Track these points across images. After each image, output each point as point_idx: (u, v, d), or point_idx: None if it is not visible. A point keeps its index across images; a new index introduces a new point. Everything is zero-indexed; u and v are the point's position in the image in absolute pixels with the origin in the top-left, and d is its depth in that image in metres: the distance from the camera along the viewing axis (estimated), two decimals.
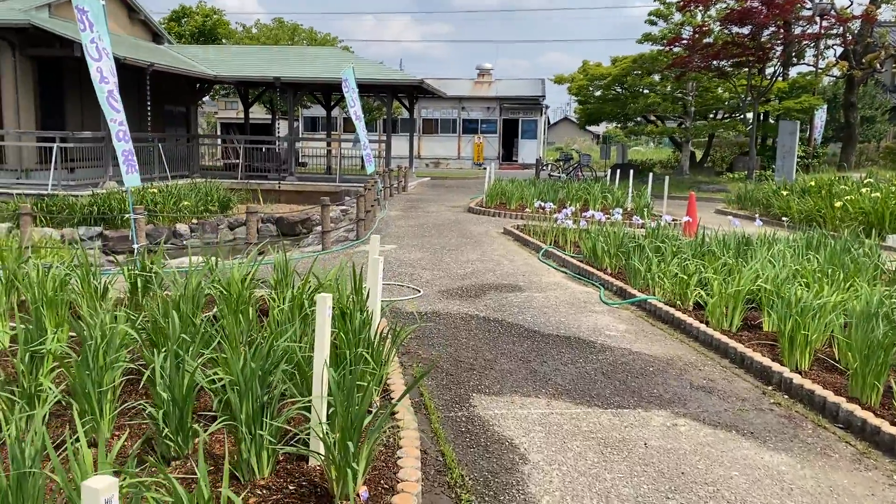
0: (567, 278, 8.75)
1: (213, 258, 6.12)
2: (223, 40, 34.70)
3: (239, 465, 3.24)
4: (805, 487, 3.65)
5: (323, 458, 3.17)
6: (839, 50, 27.67)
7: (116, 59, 16.64)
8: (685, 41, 24.71)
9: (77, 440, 3.50)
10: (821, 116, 28.08)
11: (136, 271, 5.92)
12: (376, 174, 17.96)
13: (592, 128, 53.44)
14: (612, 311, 7.19)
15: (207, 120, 48.45)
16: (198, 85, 24.06)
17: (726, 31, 23.92)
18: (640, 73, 28.47)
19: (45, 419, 3.73)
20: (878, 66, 25.50)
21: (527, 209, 15.21)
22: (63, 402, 3.81)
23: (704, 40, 23.89)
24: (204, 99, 38.27)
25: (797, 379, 5.00)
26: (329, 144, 26.67)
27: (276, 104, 30.11)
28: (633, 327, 6.59)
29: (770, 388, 5.11)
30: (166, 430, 3.35)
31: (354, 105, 18.44)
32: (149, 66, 18.13)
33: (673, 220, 11.57)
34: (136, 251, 8.42)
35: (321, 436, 3.13)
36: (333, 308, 4.78)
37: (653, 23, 27.85)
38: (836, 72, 28.10)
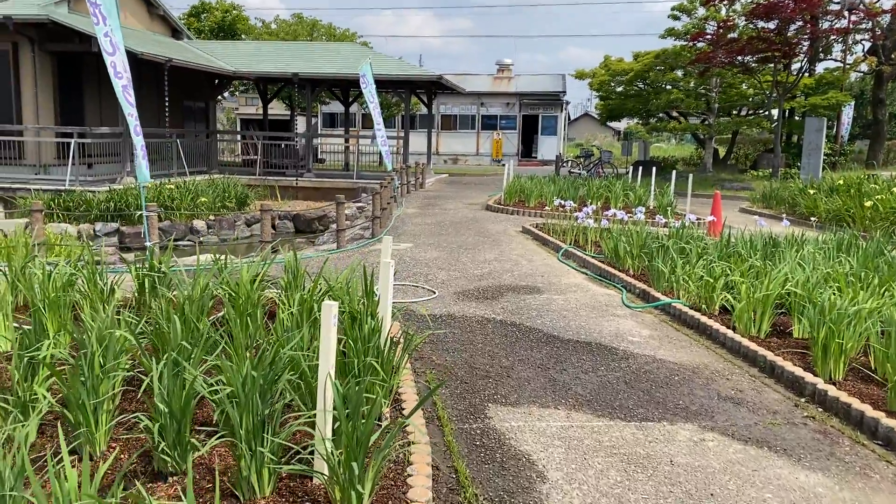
0: (587, 279, 8.49)
1: (223, 257, 5.94)
2: (242, 36, 34.67)
3: (238, 484, 3.05)
4: None
5: (327, 477, 2.96)
6: (867, 45, 27.01)
7: (134, 55, 16.63)
8: (709, 36, 24.26)
9: (71, 452, 3.33)
10: (848, 113, 27.50)
11: (144, 271, 5.76)
12: (393, 171, 17.79)
13: (613, 124, 52.94)
14: (635, 314, 6.93)
15: (227, 116, 48.59)
16: (216, 80, 23.99)
17: (752, 26, 23.45)
18: (663, 68, 28.02)
19: (37, 430, 3.57)
20: None
21: (546, 207, 14.93)
22: (59, 412, 3.65)
23: (729, 35, 23.44)
24: (224, 95, 38.34)
25: (832, 391, 4.72)
26: (347, 141, 26.53)
27: (295, 100, 30.02)
28: (656, 332, 6.33)
29: (803, 399, 4.84)
30: (162, 444, 3.17)
31: (373, 101, 18.28)
32: (167, 61, 18.07)
33: (697, 219, 11.26)
34: (147, 248, 8.27)
35: (324, 455, 2.92)
36: (343, 312, 4.59)
37: (676, 17, 27.39)
38: (863, 67, 27.48)
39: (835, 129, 26.40)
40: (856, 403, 4.49)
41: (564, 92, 38.45)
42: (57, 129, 17.42)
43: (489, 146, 38.68)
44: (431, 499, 3.19)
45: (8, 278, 5.64)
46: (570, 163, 27.46)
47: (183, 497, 2.50)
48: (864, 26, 24.51)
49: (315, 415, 3.18)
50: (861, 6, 23.04)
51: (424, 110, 30.00)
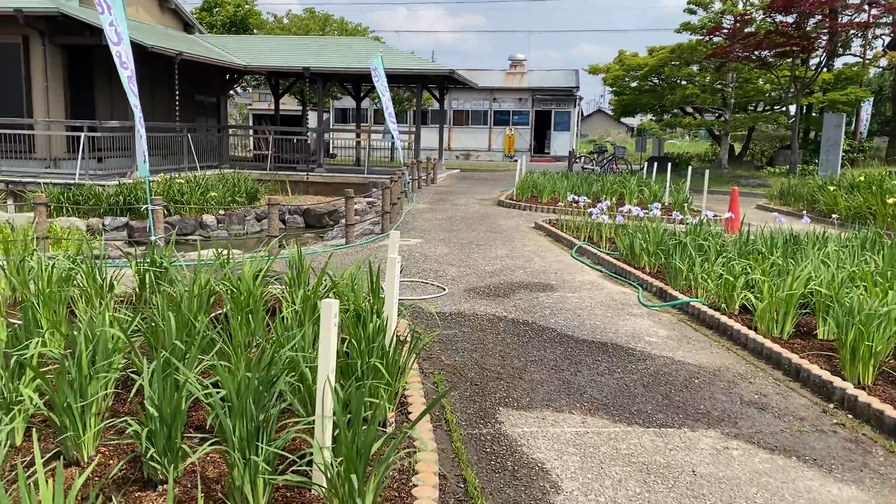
0: (602, 277, 8.25)
1: (226, 251, 5.75)
2: (254, 30, 34.55)
3: (231, 494, 2.85)
4: None
5: (325, 489, 2.76)
6: (887, 39, 26.53)
7: (144, 48, 16.51)
8: (726, 30, 23.86)
9: (59, 456, 3.14)
10: (866, 109, 27.03)
11: (146, 265, 5.59)
12: (404, 166, 17.59)
13: (627, 120, 52.48)
14: (652, 314, 6.69)
15: (240, 111, 48.57)
16: (227, 75, 23.87)
17: (769, 20, 23.02)
18: (678, 63, 27.63)
19: (25, 433, 3.39)
20: None
21: (559, 203, 14.67)
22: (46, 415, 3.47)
23: (746, 29, 23.02)
24: (238, 90, 38.26)
25: (862, 396, 4.47)
26: (358, 136, 26.35)
27: (307, 95, 29.87)
28: (674, 333, 6.09)
29: (831, 405, 4.59)
30: (152, 450, 2.98)
31: (385, 95, 18.09)
32: (177, 54, 17.93)
33: (714, 216, 10.98)
34: (153, 243, 8.11)
35: (322, 466, 2.72)
36: (347, 310, 4.39)
37: (692, 11, 26.97)
38: (883, 62, 26.98)
39: (853, 126, 25.93)
40: (889, 410, 4.24)
41: (578, 87, 38.08)
42: (67, 122, 17.32)
43: (501, 142, 38.40)
44: None
45: (5, 272, 5.49)
46: (583, 159, 27.16)
47: (185, 498, 2.30)
48: (884, 20, 24.04)
49: (314, 420, 2.97)
50: (882, 0, 22.58)
51: (436, 106, 29.79)
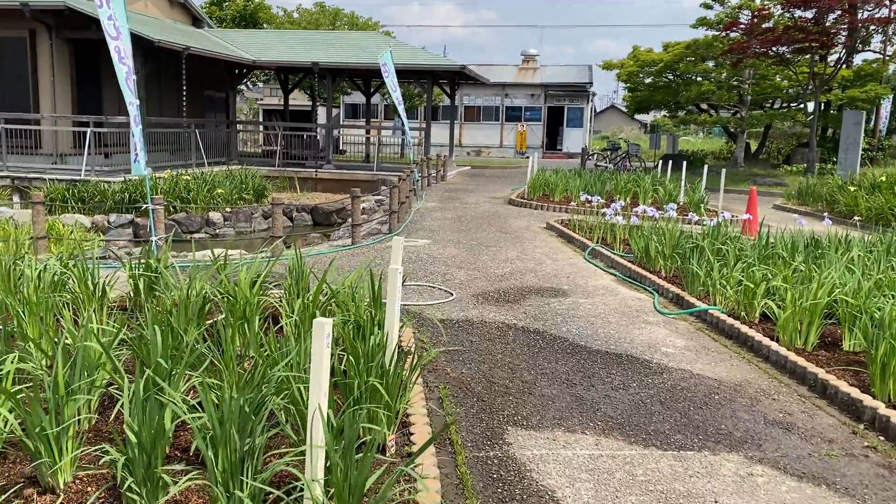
0: (616, 281, 7.98)
1: (222, 255, 5.52)
2: (264, 25, 34.35)
3: None
4: None
5: None
6: None
7: (151, 42, 16.33)
8: (743, 26, 23.43)
9: (32, 483, 2.92)
10: (886, 107, 26.50)
11: (140, 270, 5.36)
12: (414, 163, 17.34)
13: (640, 117, 51.96)
14: (669, 322, 6.41)
15: (250, 106, 48.44)
16: (236, 70, 23.67)
17: (788, 15, 22.58)
18: (694, 59, 27.19)
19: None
20: None
21: (571, 202, 14.37)
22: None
23: (764, 25, 22.61)
24: (248, 85, 38.07)
25: (895, 417, 4.19)
26: (368, 132, 26.11)
27: (317, 91, 29.65)
28: (693, 343, 5.82)
29: (861, 426, 4.30)
30: (129, 480, 2.74)
31: (395, 90, 17.84)
32: (184, 49, 17.74)
33: (732, 216, 10.67)
34: (154, 244, 7.91)
35: (312, 502, 2.48)
36: (348, 321, 4.15)
37: (708, 6, 26.50)
38: None
39: (873, 123, 25.42)
40: None
41: (591, 83, 37.66)
42: (74, 117, 17.18)
43: (513, 138, 38.06)
44: None
45: None
46: (596, 156, 26.80)
47: None
48: None
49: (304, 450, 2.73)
50: None
51: (447, 101, 29.50)
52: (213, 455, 2.58)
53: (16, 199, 15.40)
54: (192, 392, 3.78)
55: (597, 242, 9.74)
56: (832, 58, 23.99)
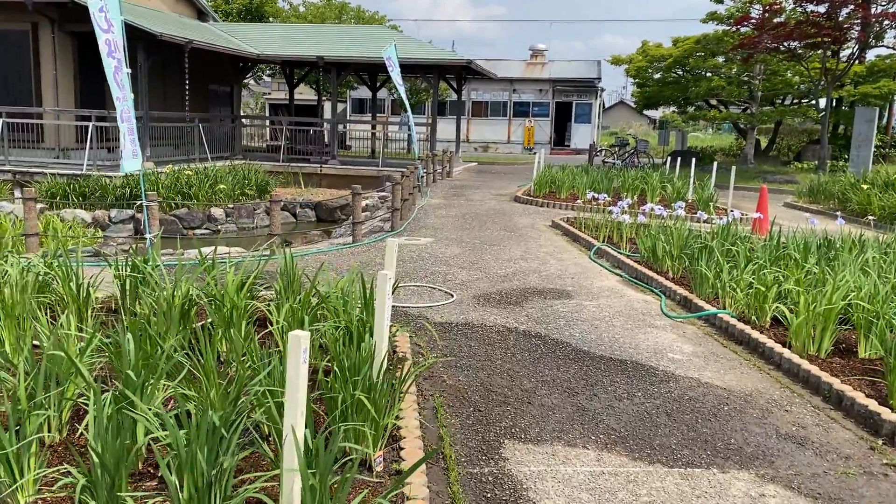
0: (622, 283, 7.74)
1: (212, 253, 5.32)
2: (270, 18, 34.15)
3: None
4: None
5: None
6: None
7: (153, 36, 16.15)
8: (754, 20, 23.06)
9: None
10: None
11: (126, 271, 5.17)
12: (419, 159, 17.12)
13: (649, 112, 51.59)
14: (676, 326, 6.18)
15: (257, 101, 48.30)
16: (241, 64, 23.48)
17: (800, 9, 22.21)
18: (704, 54, 26.82)
19: None
20: None
21: (578, 199, 14.11)
22: None
23: (775, 19, 22.22)
24: (258, 80, 37.90)
25: None
26: (373, 127, 25.89)
27: (323, 85, 29.45)
28: (701, 349, 5.59)
29: (879, 441, 4.07)
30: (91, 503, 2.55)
31: (401, 85, 17.62)
32: (186, 42, 17.55)
33: (742, 215, 10.42)
34: (149, 241, 7.73)
35: None
36: (338, 328, 3.95)
37: (719, 1, 26.15)
38: None
39: (886, 120, 25.03)
40: None
41: (599, 78, 37.29)
42: (76, 111, 17.03)
43: (521, 134, 37.76)
44: None
45: None
46: (604, 152, 26.50)
47: None
48: None
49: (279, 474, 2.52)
50: None
51: (454, 97, 29.24)
52: (177, 480, 2.38)
53: (17, 193, 15.26)
54: (173, 402, 3.59)
55: (603, 241, 9.51)
56: (845, 53, 23.60)
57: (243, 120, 25.80)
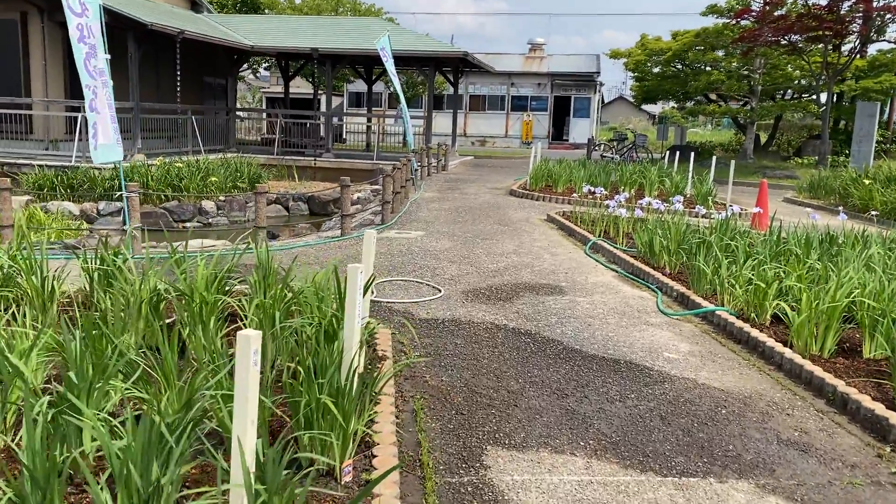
0: (617, 278, 7.49)
1: (183, 245, 5.06)
2: (266, 10, 33.79)
3: None
4: None
5: None
6: None
7: (143, 25, 15.86)
8: (754, 13, 22.79)
9: None
10: None
11: (94, 264, 4.91)
12: (413, 152, 16.85)
13: (648, 107, 51.29)
14: (672, 323, 5.93)
15: (254, 94, 47.94)
16: (235, 56, 23.17)
17: (801, 2, 21.93)
18: (703, 48, 26.53)
19: None
20: None
21: (575, 193, 13.86)
22: None
23: (776, 12, 21.96)
24: (257, 72, 37.49)
25: None
26: (369, 120, 25.60)
27: (319, 78, 29.12)
28: (698, 348, 5.34)
29: (887, 447, 3.82)
30: None
31: (395, 75, 17.34)
32: (178, 33, 17.25)
33: (741, 210, 10.15)
34: (128, 234, 7.47)
35: None
36: (311, 324, 3.70)
37: None
38: None
39: (888, 115, 24.78)
40: None
41: (598, 73, 36.96)
42: (66, 102, 16.74)
43: (518, 128, 37.45)
44: None
45: None
46: (602, 146, 26.23)
47: None
48: None
49: (228, 490, 2.27)
50: None
51: (452, 90, 28.94)
52: (109, 498, 2.13)
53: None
54: (133, 405, 3.34)
55: (599, 236, 9.26)
56: (846, 47, 23.35)
57: (238, 113, 25.51)
